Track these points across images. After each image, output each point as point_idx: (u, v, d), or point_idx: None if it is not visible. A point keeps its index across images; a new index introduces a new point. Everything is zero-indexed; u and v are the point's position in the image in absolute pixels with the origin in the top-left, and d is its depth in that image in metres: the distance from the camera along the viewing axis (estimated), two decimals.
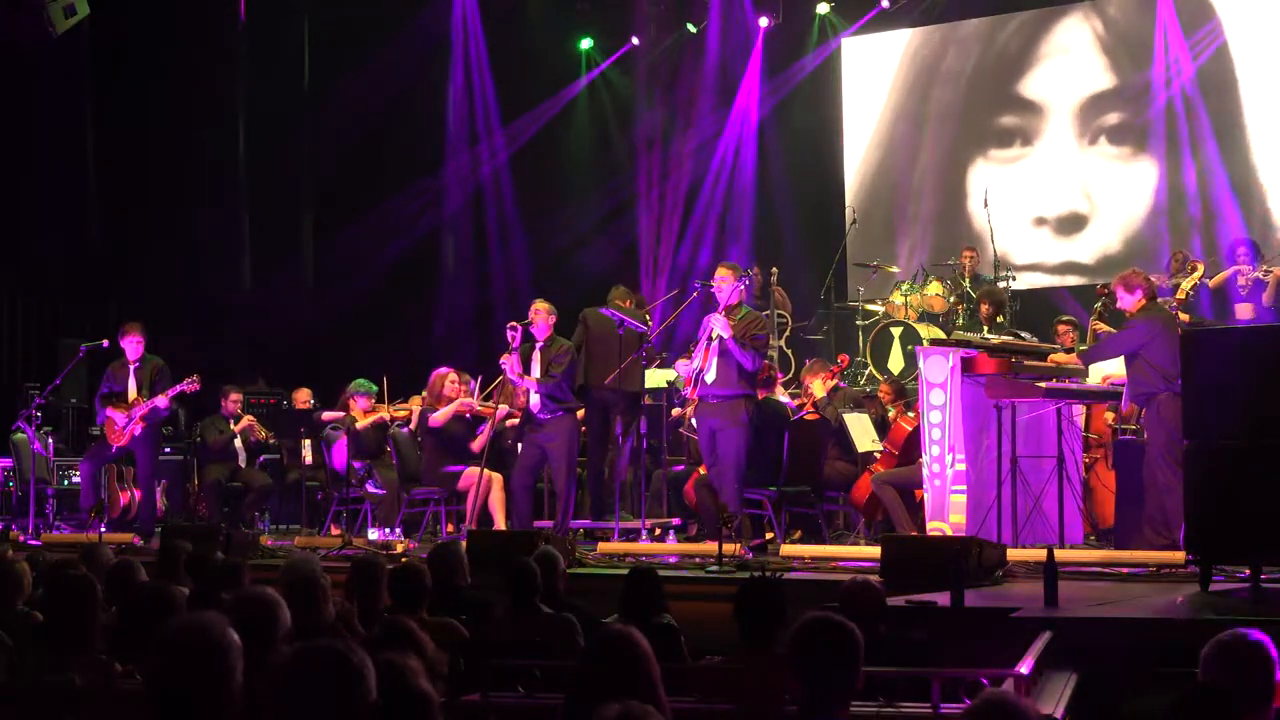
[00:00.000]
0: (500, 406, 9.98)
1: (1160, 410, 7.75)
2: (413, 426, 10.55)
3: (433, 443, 10.10)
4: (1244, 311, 10.89)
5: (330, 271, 15.06)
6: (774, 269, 12.91)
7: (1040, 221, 13.96)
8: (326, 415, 10.93)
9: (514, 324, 9.37)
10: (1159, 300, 8.42)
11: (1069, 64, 13.91)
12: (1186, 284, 9.70)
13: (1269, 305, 10.76)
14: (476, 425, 10.14)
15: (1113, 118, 13.69)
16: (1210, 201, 13.05)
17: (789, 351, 12.75)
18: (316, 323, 14.73)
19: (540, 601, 5.47)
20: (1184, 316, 9.62)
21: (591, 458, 9.90)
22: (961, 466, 8.04)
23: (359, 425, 10.37)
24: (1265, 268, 10.99)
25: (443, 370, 10.35)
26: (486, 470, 9.61)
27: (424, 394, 10.43)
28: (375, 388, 10.65)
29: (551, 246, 15.07)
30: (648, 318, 10.20)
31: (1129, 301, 8.14)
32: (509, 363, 9.33)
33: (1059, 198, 13.89)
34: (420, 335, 14.48)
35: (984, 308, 11.27)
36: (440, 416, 10.01)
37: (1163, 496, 7.69)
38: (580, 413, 9.92)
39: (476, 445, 9.95)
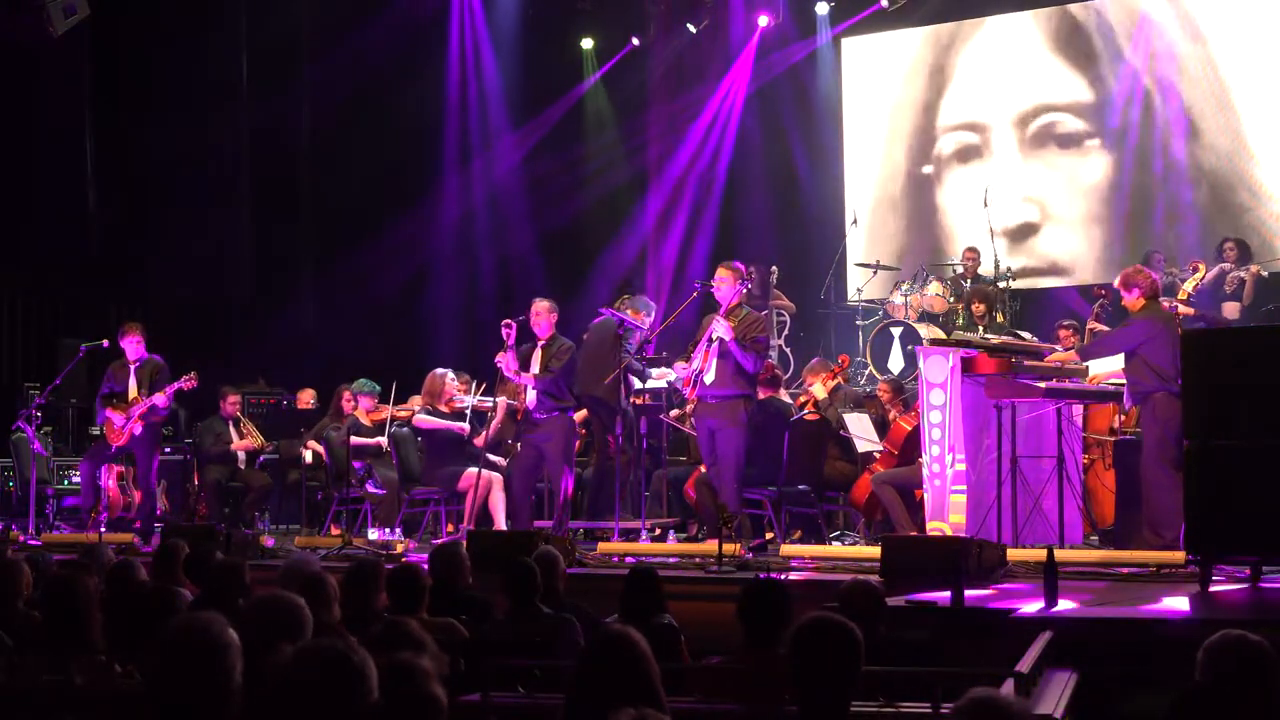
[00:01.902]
0: (500, 399, 9.95)
1: (1155, 409, 7.75)
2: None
3: (433, 442, 10.09)
4: (1231, 310, 10.89)
5: (332, 271, 15.06)
6: (774, 268, 12.94)
7: (1041, 222, 13.95)
8: (311, 445, 10.96)
9: (508, 321, 9.33)
10: (1160, 300, 8.40)
11: (1071, 63, 13.90)
12: (1189, 284, 9.69)
13: (1247, 304, 10.76)
14: (478, 424, 10.12)
15: (1115, 118, 13.68)
16: (1211, 202, 13.08)
17: (788, 351, 12.76)
18: (318, 323, 14.73)
19: (540, 601, 5.48)
20: (1188, 310, 9.60)
21: (595, 461, 9.92)
22: (961, 466, 8.04)
23: (354, 440, 10.31)
24: (1248, 267, 11.00)
25: (440, 370, 10.32)
26: (486, 470, 9.61)
27: (422, 395, 10.40)
28: (378, 387, 10.64)
29: (555, 248, 15.07)
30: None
31: (1127, 299, 8.15)
32: (504, 360, 9.31)
33: (1060, 197, 13.88)
34: (422, 335, 14.48)
35: (976, 306, 11.29)
36: (428, 421, 9.99)
37: (1155, 495, 7.70)
38: (580, 414, 9.93)
39: (480, 442, 9.94)
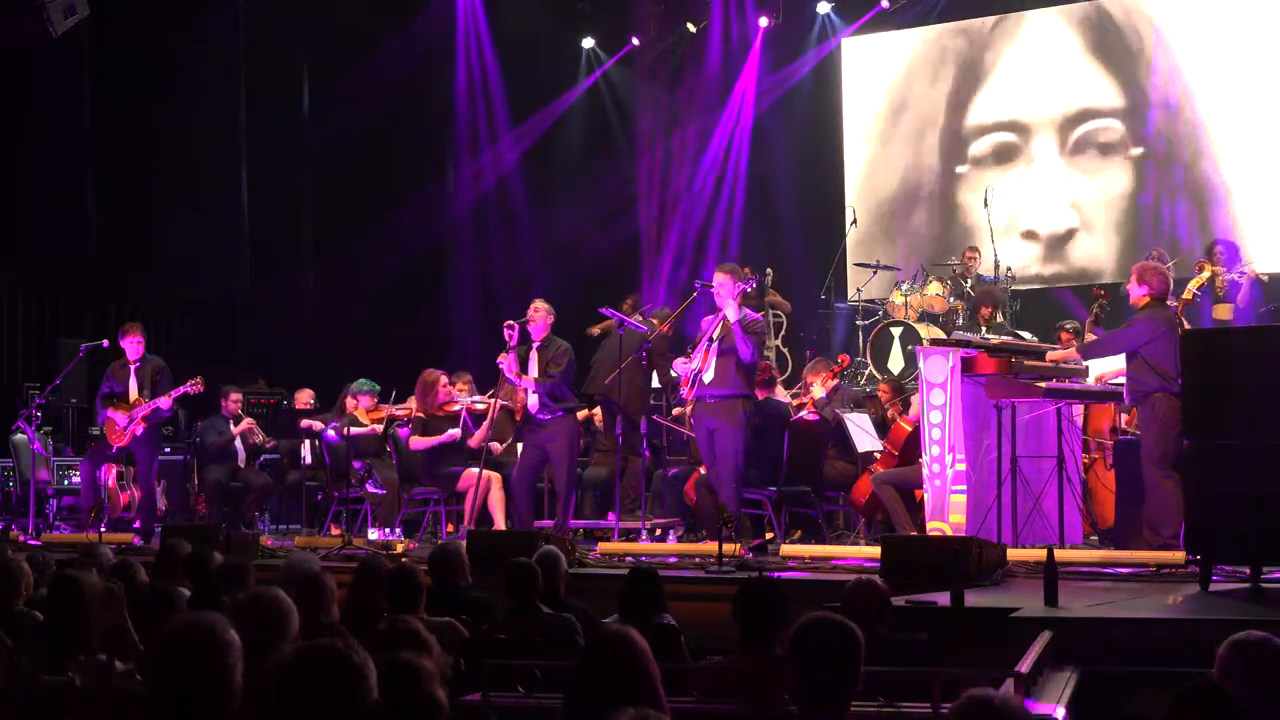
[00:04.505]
0: (495, 400, 9.96)
1: (1154, 409, 7.74)
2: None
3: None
4: (1222, 312, 10.86)
5: (332, 272, 15.06)
6: (769, 270, 12.97)
7: (1041, 221, 13.94)
8: (307, 422, 10.92)
9: (510, 323, 9.32)
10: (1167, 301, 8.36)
11: (1070, 64, 13.91)
12: (1194, 284, 9.62)
13: (1244, 306, 10.73)
14: (476, 424, 10.12)
15: (1114, 118, 13.68)
16: (1209, 203, 13.08)
17: (785, 351, 12.77)
18: (318, 323, 14.73)
19: (540, 601, 5.48)
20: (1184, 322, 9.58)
21: (603, 460, 9.96)
22: (961, 466, 8.04)
23: (353, 430, 10.31)
24: (1240, 269, 10.96)
25: (432, 370, 10.27)
26: (486, 470, 9.61)
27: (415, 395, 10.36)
28: (378, 387, 10.62)
29: (554, 248, 15.07)
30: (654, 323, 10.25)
31: (1136, 293, 8.09)
32: (506, 362, 9.31)
33: (1060, 197, 13.88)
34: (423, 335, 14.47)
35: (983, 310, 11.29)
36: (423, 442, 10.00)
37: (1153, 494, 7.70)
38: (582, 414, 9.93)
39: (474, 442, 9.94)
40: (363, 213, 14.80)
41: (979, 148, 14.35)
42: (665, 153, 15.24)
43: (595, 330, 12.03)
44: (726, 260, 9.42)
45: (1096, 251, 13.75)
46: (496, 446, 9.98)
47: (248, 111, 14.54)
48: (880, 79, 14.88)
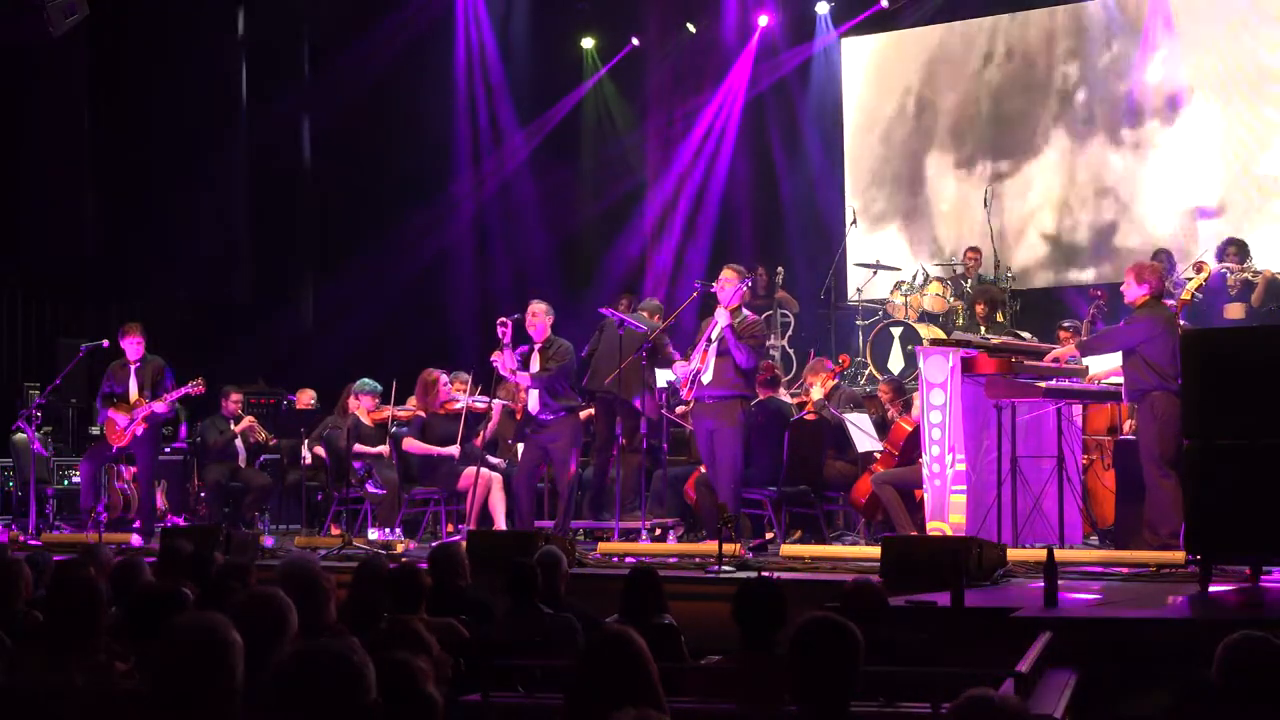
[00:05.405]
0: (496, 400, 9.95)
1: (1153, 408, 7.75)
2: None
3: (433, 440, 10.08)
4: (1234, 311, 10.86)
5: (332, 272, 15.06)
6: (779, 269, 12.98)
7: (1042, 220, 13.94)
8: (317, 450, 10.90)
9: (504, 319, 9.29)
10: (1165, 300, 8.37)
11: (1068, 63, 13.91)
12: (1193, 285, 9.62)
13: (1258, 306, 10.74)
14: (475, 424, 10.11)
15: (1114, 117, 13.66)
16: (1205, 201, 13.08)
17: (791, 351, 12.77)
18: (318, 323, 14.73)
19: (540, 601, 5.48)
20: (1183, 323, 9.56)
21: (595, 459, 9.94)
22: (961, 466, 8.04)
23: (346, 436, 10.28)
24: (1253, 268, 10.96)
25: (433, 370, 10.27)
26: (485, 470, 9.60)
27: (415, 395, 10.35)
28: (380, 387, 10.62)
29: (555, 248, 15.06)
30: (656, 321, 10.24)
31: (1134, 293, 8.09)
32: (500, 359, 9.29)
33: (1061, 196, 13.87)
34: (423, 336, 14.47)
35: (979, 308, 11.29)
36: (417, 446, 9.99)
37: (1151, 493, 7.70)
38: (585, 413, 9.92)
39: (479, 441, 9.93)
40: (363, 213, 14.80)
41: (980, 145, 14.32)
42: (665, 152, 15.23)
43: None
44: (731, 261, 9.43)
45: (1108, 241, 13.70)
46: (499, 462, 9.92)
47: (248, 111, 14.53)
48: (880, 78, 14.86)
